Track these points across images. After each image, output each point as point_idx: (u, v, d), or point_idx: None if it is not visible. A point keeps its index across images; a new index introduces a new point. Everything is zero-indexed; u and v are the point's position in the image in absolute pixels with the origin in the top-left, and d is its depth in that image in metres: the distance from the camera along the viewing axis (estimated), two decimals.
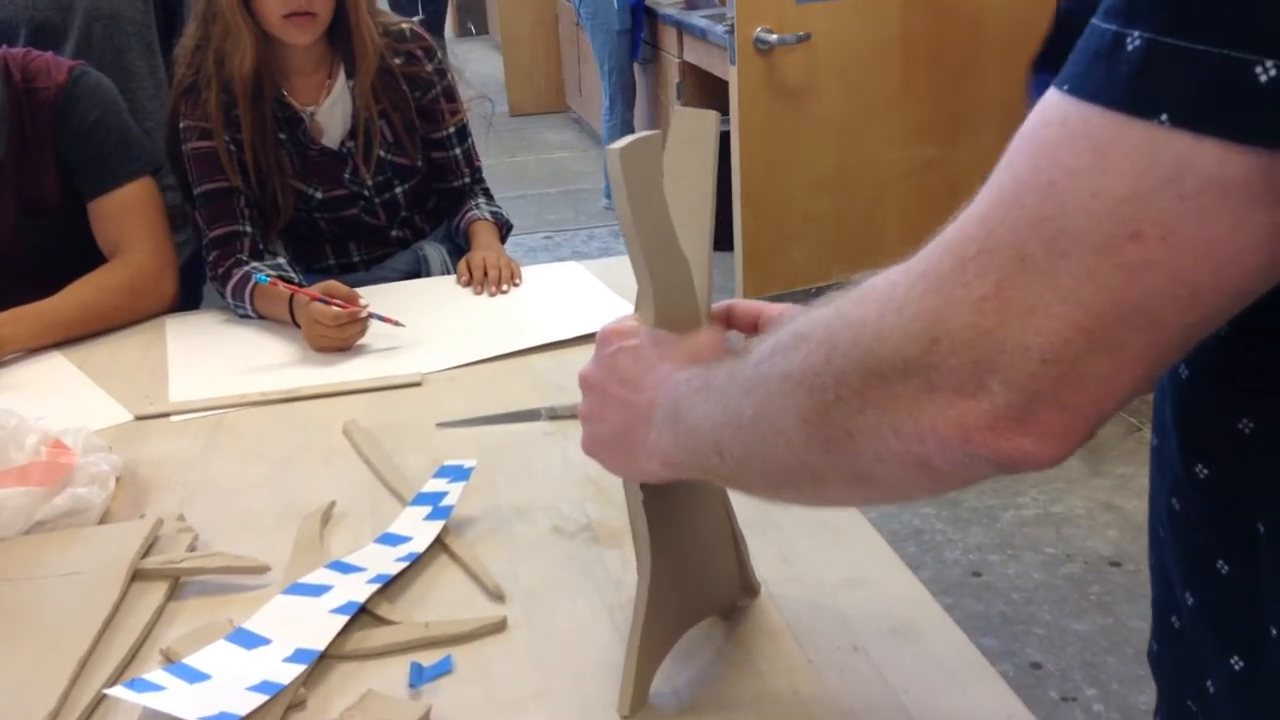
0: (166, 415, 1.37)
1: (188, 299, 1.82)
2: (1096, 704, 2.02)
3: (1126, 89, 0.45)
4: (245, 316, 1.65)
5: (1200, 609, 0.62)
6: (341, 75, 1.70)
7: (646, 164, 0.75)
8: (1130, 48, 0.45)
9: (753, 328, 0.82)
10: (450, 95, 1.80)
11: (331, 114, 1.72)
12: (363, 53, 1.66)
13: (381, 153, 1.75)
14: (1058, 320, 0.46)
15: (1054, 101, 0.48)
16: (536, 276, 1.76)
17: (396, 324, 1.53)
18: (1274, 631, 0.57)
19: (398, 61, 1.73)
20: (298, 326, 1.56)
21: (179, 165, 1.72)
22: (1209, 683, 0.63)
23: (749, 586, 0.93)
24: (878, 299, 0.52)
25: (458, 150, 1.84)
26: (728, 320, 0.83)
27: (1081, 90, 0.47)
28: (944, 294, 0.49)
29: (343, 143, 1.73)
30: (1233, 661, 0.61)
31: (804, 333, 0.56)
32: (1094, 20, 0.48)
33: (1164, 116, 0.44)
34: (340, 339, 1.50)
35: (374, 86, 1.69)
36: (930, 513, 2.62)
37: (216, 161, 1.67)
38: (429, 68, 1.76)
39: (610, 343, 0.74)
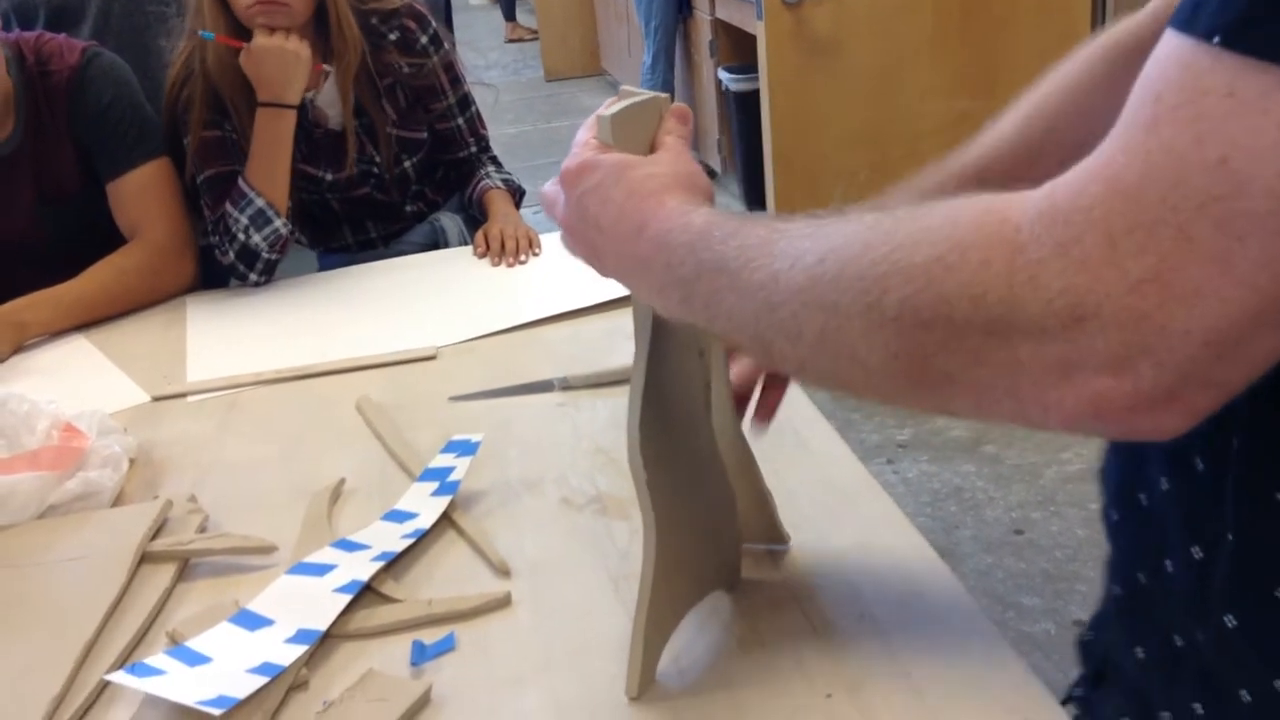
0: (183, 395, 1.37)
1: (213, 278, 1.83)
2: None
3: None
4: (258, 285, 1.68)
5: (1172, 495, 0.64)
6: (334, 60, 1.69)
7: (642, 131, 0.73)
8: None
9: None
10: (448, 65, 1.79)
11: (332, 98, 1.72)
12: (342, 49, 1.66)
13: (388, 129, 1.74)
14: (1227, 304, 0.43)
15: (1207, 63, 0.44)
16: (553, 244, 1.74)
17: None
18: (1230, 537, 0.60)
19: (392, 37, 1.72)
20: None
21: (178, 157, 1.73)
22: (1167, 562, 0.66)
23: (777, 537, 0.92)
24: (1001, 260, 0.48)
25: (460, 120, 1.83)
26: None
27: (1241, 44, 0.43)
28: (1091, 273, 0.45)
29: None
30: (1193, 550, 0.63)
31: (887, 270, 0.51)
32: None
33: None
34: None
35: (367, 69, 1.69)
36: (971, 470, 2.58)
37: (223, 148, 1.67)
38: (423, 40, 1.75)
39: (573, 185, 0.70)
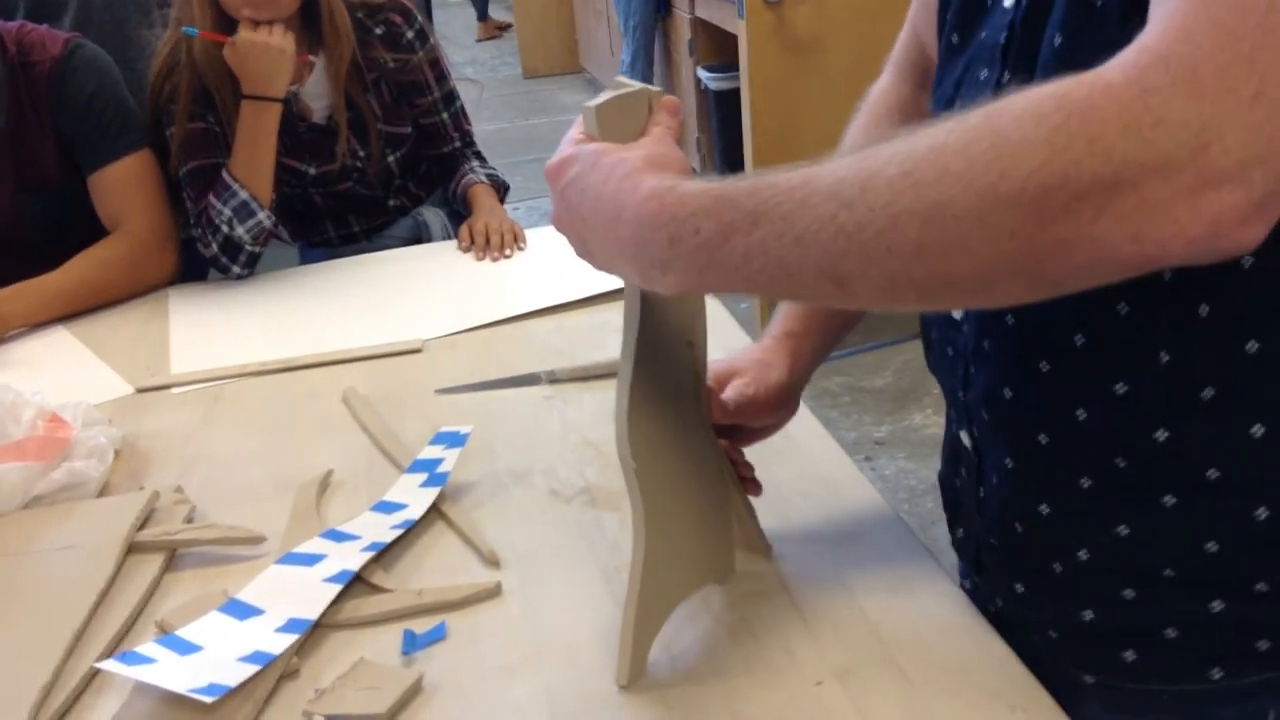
0: (167, 387, 1.36)
1: (194, 270, 1.82)
2: None
3: None
4: (240, 278, 1.68)
5: (1090, 347, 0.71)
6: (324, 53, 1.69)
7: (629, 123, 0.72)
8: None
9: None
10: (434, 61, 1.79)
11: (317, 92, 1.71)
12: (333, 38, 1.65)
13: (375, 124, 1.74)
14: None
15: None
16: (538, 239, 1.74)
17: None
18: (1165, 358, 0.68)
19: (378, 32, 1.71)
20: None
21: (161, 149, 1.72)
22: (1079, 412, 0.72)
23: (758, 548, 0.92)
24: (1122, 113, 0.51)
25: (445, 115, 1.83)
26: None
27: None
28: (1212, 100, 0.50)
29: (331, 118, 1.72)
30: (1117, 387, 0.70)
31: (999, 155, 0.53)
32: None
33: None
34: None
35: (355, 63, 1.69)
36: None
37: (207, 140, 1.67)
38: (409, 35, 1.75)
39: (556, 180, 0.70)
